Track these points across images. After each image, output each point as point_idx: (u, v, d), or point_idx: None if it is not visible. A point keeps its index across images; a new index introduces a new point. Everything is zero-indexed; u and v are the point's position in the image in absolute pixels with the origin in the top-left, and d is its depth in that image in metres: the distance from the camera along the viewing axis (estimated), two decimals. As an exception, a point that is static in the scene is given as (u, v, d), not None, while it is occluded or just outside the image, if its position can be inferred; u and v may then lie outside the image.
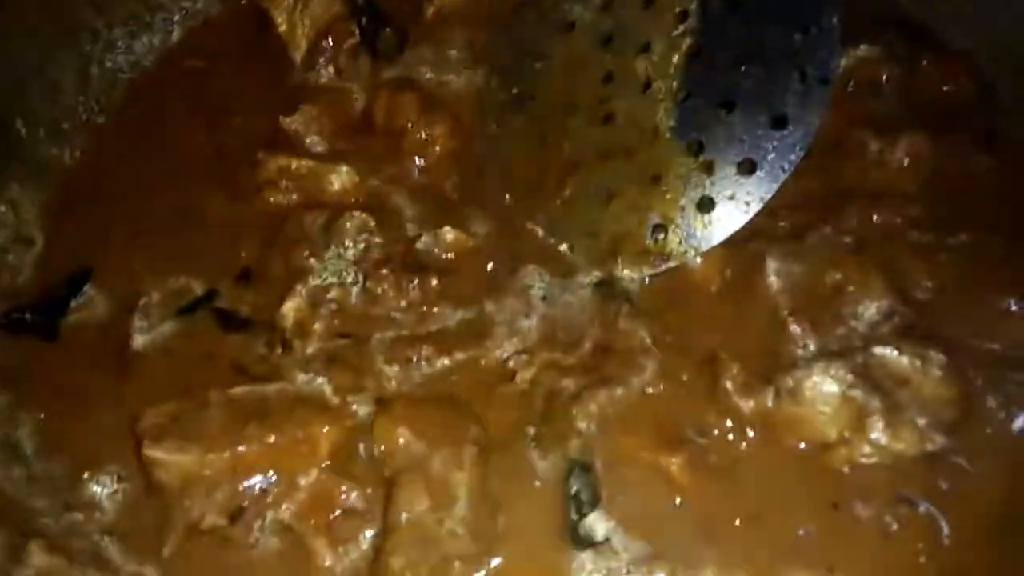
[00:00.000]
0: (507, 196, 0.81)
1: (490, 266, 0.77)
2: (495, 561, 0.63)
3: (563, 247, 0.77)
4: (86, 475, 0.68)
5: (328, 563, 0.64)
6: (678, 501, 0.65)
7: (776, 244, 0.74)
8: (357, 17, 0.88)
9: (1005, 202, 0.77)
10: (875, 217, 0.76)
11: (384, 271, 0.75)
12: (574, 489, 0.65)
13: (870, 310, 0.71)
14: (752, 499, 0.65)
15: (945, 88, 0.83)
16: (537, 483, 0.66)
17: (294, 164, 0.80)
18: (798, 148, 0.72)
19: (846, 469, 0.66)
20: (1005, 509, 0.64)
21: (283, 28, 0.88)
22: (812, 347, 0.70)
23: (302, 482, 0.66)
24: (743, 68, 0.74)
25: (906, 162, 0.79)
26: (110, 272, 0.79)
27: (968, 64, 0.85)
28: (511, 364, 0.71)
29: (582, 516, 0.64)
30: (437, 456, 0.65)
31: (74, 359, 0.75)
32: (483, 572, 0.63)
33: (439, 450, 0.65)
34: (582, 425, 0.67)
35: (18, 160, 0.83)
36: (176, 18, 0.94)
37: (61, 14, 0.85)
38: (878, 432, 0.65)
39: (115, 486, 0.68)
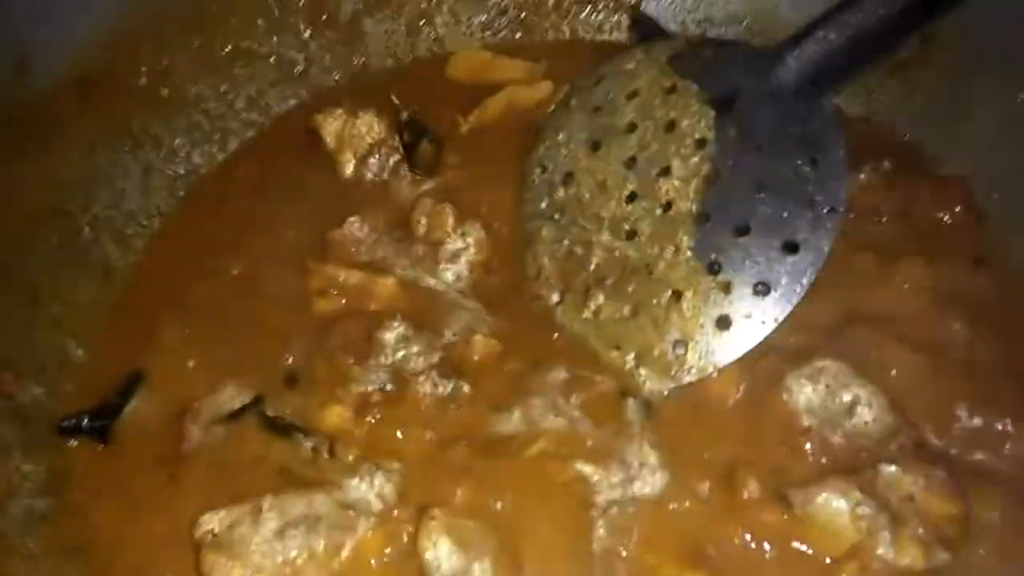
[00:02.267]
0: (536, 304, 0.86)
1: (518, 369, 0.81)
2: None
3: (590, 353, 0.81)
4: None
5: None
6: (699, 617, 0.68)
7: (789, 362, 0.79)
8: (399, 132, 0.94)
9: (998, 323, 0.82)
10: (881, 338, 0.80)
11: (421, 378, 0.80)
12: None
13: (878, 428, 0.75)
14: (771, 615, 0.68)
15: (940, 214, 0.90)
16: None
17: (342, 275, 0.85)
18: (809, 273, 0.77)
19: (859, 584, 0.69)
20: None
21: (332, 145, 0.94)
22: (824, 463, 0.74)
23: (349, 589, 0.69)
24: (758, 195, 0.78)
25: (906, 286, 0.84)
26: (162, 377, 0.82)
27: (963, 190, 0.91)
28: (545, 468, 0.74)
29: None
30: (477, 567, 0.68)
31: (126, 463, 0.77)
32: None
33: (479, 561, 0.68)
34: (608, 542, 0.70)
35: (84, 263, 0.87)
36: (233, 127, 0.99)
37: (128, 126, 0.91)
38: (885, 547, 0.69)
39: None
